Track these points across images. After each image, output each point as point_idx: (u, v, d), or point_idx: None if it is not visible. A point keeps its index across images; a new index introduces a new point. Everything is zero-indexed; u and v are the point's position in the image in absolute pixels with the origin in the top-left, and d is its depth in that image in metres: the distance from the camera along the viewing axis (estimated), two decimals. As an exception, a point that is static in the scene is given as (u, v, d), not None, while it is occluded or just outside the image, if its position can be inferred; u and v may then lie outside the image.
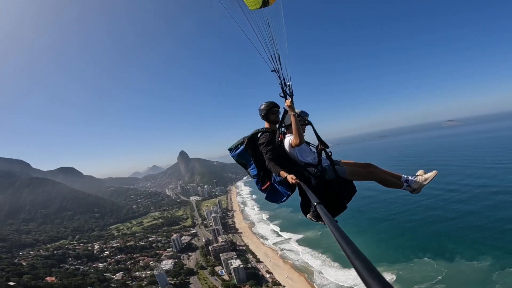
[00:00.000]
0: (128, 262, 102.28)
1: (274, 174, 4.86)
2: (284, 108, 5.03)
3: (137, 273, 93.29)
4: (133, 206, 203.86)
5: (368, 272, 1.18)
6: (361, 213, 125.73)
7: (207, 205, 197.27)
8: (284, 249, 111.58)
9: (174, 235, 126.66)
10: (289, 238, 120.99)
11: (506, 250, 74.96)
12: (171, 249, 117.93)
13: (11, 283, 61.69)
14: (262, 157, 4.97)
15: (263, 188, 5.22)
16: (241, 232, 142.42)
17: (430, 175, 4.71)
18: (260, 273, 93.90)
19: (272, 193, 5.12)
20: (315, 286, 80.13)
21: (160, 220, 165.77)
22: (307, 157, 4.79)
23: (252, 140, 5.13)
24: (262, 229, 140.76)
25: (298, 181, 4.27)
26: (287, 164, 4.74)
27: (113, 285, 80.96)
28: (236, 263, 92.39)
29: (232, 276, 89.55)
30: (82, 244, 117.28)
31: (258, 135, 5.10)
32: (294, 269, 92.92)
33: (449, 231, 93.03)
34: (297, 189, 4.97)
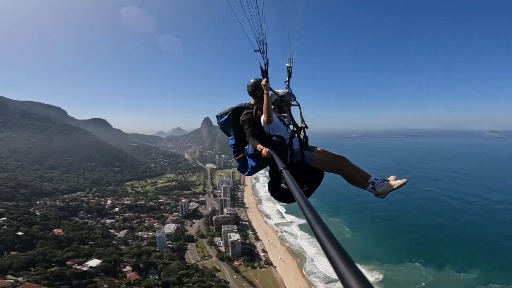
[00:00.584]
0: (134, 221, 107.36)
1: (248, 146, 5.00)
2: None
3: (140, 233, 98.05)
4: (151, 165, 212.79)
5: (327, 238, 1.17)
6: (365, 209, 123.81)
7: (220, 175, 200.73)
8: (285, 231, 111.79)
9: (183, 200, 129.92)
10: (292, 222, 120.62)
11: (497, 265, 76.93)
12: (177, 213, 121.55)
13: (20, 233, 66.95)
14: (242, 129, 5.15)
15: (237, 158, 5.38)
16: (247, 207, 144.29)
17: (399, 182, 4.50)
18: (256, 250, 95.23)
19: (242, 164, 5.25)
20: (304, 272, 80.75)
21: (174, 182, 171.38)
22: (281, 134, 4.93)
23: (235, 112, 5.33)
24: (268, 208, 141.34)
25: (271, 153, 4.27)
26: (263, 139, 4.89)
27: (114, 241, 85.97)
28: (235, 237, 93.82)
29: (228, 249, 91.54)
30: (96, 198, 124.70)
31: (243, 111, 5.26)
32: (289, 253, 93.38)
33: (449, 240, 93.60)
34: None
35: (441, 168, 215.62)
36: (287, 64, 5.38)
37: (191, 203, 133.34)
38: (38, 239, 66.33)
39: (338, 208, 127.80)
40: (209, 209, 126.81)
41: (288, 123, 5.13)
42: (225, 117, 5.44)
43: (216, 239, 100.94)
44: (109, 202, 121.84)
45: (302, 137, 4.90)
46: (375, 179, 4.64)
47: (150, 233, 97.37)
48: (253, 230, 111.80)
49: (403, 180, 4.50)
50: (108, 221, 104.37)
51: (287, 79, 5.43)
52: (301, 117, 5.03)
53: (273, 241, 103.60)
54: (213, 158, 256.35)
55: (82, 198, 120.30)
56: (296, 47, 5.18)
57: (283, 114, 5.31)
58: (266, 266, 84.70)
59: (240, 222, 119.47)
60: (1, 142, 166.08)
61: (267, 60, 4.99)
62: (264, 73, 5.00)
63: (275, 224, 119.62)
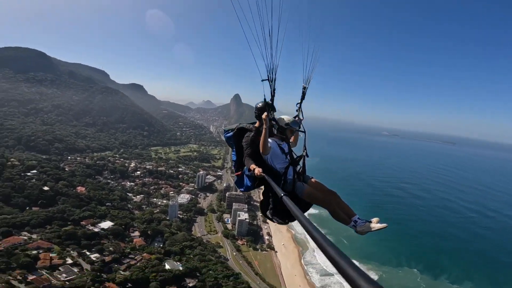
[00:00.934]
0: (152, 187, 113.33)
1: (246, 167, 5.27)
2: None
3: (155, 199, 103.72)
4: (177, 133, 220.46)
5: (338, 255, 1.28)
6: (379, 209, 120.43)
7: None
8: None
9: (201, 172, 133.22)
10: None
11: (492, 280, 78.21)
12: (193, 184, 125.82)
13: (46, 188, 73.93)
14: (242, 148, 5.46)
15: (236, 174, 5.61)
16: (261, 189, 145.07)
17: (379, 226, 4.60)
18: (261, 233, 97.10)
19: (239, 180, 5.55)
20: (303, 261, 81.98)
21: (195, 153, 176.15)
22: (277, 164, 5.10)
23: (239, 132, 5.63)
24: None
25: (263, 175, 4.53)
26: (260, 163, 5.05)
27: (129, 205, 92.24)
28: (244, 216, 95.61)
29: (235, 227, 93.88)
30: (122, 159, 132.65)
31: (246, 133, 5.54)
32: (293, 240, 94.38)
33: (453, 250, 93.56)
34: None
35: (470, 179, 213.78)
36: (303, 85, 5.44)
37: (208, 176, 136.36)
38: (61, 195, 72.99)
39: (352, 204, 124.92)
40: (224, 184, 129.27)
41: (287, 151, 5.20)
42: (230, 133, 5.73)
43: (226, 215, 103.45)
44: (132, 165, 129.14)
45: (300, 166, 5.18)
46: (358, 218, 4.71)
47: (164, 201, 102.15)
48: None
49: (384, 225, 4.59)
50: (128, 184, 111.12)
51: (299, 101, 5.52)
52: (304, 145, 5.30)
53: (280, 227, 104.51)
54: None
55: (109, 158, 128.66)
56: (315, 66, 5.28)
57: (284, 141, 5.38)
58: (268, 250, 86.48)
59: (252, 203, 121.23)
60: (46, 97, 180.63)
61: (274, 90, 5.10)
62: (268, 106, 5.07)
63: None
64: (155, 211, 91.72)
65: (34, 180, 76.02)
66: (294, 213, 2.28)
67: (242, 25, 4.19)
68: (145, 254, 61.08)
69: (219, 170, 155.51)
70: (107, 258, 56.03)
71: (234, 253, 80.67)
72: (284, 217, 5.05)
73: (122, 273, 51.98)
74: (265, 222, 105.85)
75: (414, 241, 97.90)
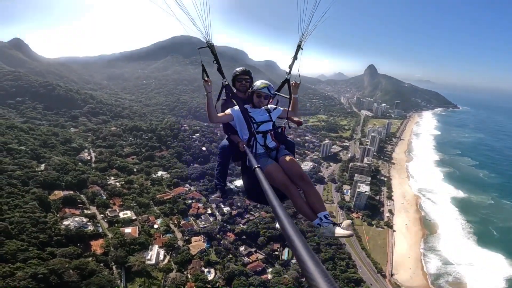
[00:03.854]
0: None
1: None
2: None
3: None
4: (307, 104, 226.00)
5: (296, 235, 1.27)
6: None
7: (374, 123, 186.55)
8: (430, 199, 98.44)
9: (326, 141, 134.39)
10: (446, 193, 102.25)
11: None
12: (318, 153, 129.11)
13: (203, 148, 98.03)
14: None
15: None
16: (393, 163, 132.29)
17: (343, 233, 3.68)
18: (382, 209, 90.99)
19: None
20: (424, 246, 73.31)
21: (323, 123, 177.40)
22: (243, 134, 4.87)
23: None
24: (419, 169, 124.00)
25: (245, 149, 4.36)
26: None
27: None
28: (364, 188, 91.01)
29: (353, 199, 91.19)
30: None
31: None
32: (420, 222, 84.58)
33: None
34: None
35: None
36: (298, 42, 4.92)
37: (333, 146, 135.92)
38: (213, 155, 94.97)
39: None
40: (349, 155, 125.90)
41: (263, 120, 4.81)
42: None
43: (346, 187, 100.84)
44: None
45: (269, 139, 4.73)
46: (325, 216, 3.87)
47: None
48: (389, 188, 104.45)
49: (348, 232, 3.69)
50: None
51: (293, 55, 5.16)
52: (287, 115, 4.96)
53: (408, 205, 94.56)
54: (371, 105, 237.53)
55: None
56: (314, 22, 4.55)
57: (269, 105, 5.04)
58: (384, 227, 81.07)
59: (378, 176, 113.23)
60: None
61: (216, 55, 4.88)
62: (203, 69, 4.81)
63: (420, 188, 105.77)
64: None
65: (197, 141, 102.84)
66: (263, 187, 1.99)
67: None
68: (262, 213, 69.48)
69: (346, 141, 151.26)
70: (233, 212, 68.44)
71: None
72: (258, 196, 4.40)
73: (241, 226, 63.59)
74: (390, 199, 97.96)
75: None
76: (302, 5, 4.20)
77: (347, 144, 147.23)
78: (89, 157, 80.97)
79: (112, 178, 72.09)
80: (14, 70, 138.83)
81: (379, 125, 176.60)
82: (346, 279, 56.54)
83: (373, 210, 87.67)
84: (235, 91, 5.30)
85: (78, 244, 44.63)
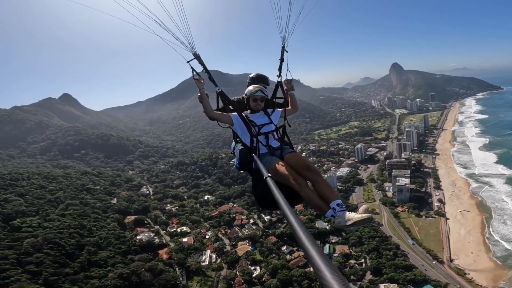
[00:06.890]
0: (316, 165, 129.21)
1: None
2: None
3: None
4: (337, 114, 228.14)
5: (316, 251, 1.21)
6: None
7: (411, 119, 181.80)
8: (483, 182, 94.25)
9: (359, 145, 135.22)
10: (501, 174, 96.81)
11: None
12: (353, 158, 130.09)
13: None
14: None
15: (231, 153, 5.47)
16: (437, 154, 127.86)
17: (359, 216, 3.18)
18: (430, 199, 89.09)
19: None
20: (487, 229, 70.29)
21: (355, 129, 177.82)
22: (245, 138, 4.61)
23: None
24: (468, 155, 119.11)
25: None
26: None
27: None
28: (403, 181, 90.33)
29: (396, 195, 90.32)
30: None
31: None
32: (477, 207, 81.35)
33: None
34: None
35: None
36: (282, 45, 4.98)
37: (369, 148, 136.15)
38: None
39: None
40: (385, 153, 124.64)
41: (263, 122, 4.60)
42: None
43: (387, 184, 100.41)
44: (299, 148, 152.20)
45: (272, 139, 4.53)
46: (338, 205, 3.38)
47: (326, 175, 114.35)
48: (436, 179, 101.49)
49: (365, 215, 3.21)
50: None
51: (280, 58, 5.14)
52: (285, 115, 4.83)
53: (459, 193, 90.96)
54: (404, 103, 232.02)
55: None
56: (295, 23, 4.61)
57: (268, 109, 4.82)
58: (435, 216, 79.37)
59: (422, 169, 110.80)
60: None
61: (205, 66, 4.78)
62: (192, 69, 4.60)
63: (470, 174, 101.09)
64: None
65: (234, 166, 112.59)
66: (275, 196, 1.98)
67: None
68: (301, 216, 73.93)
69: (382, 142, 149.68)
70: (273, 219, 74.80)
71: (391, 220, 79.01)
72: (268, 203, 3.96)
73: (281, 229, 69.45)
74: (438, 188, 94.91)
75: None
76: (278, 10, 4.54)
77: (384, 144, 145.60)
78: (147, 191, 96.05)
79: (168, 205, 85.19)
80: (72, 126, 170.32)
81: (416, 120, 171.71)
82: (394, 266, 57.26)
83: (419, 201, 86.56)
84: (248, 110, 4.76)
85: (149, 252, 56.23)
